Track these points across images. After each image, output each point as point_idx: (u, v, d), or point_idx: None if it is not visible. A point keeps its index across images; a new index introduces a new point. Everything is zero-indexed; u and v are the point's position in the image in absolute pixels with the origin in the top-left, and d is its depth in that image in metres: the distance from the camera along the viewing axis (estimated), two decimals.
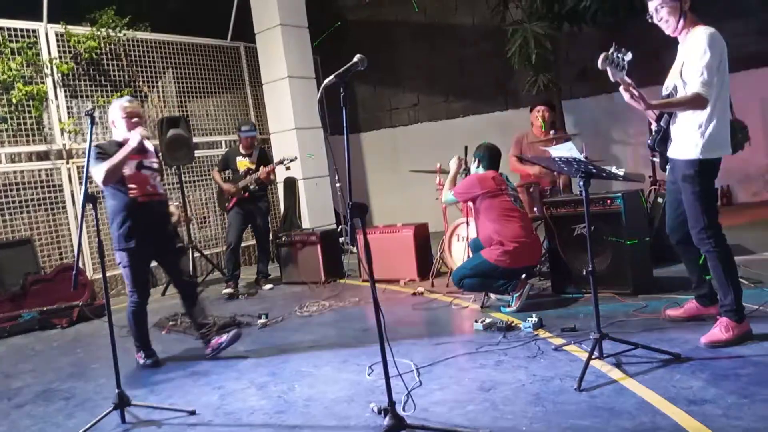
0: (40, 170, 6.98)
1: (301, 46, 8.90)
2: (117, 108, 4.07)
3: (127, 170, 3.98)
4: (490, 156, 4.81)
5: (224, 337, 4.22)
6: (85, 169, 3.57)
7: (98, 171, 3.86)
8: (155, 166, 4.21)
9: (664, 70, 3.47)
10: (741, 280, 3.46)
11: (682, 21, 3.27)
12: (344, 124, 2.62)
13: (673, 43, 3.44)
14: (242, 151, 6.78)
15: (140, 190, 4.04)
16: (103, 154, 3.93)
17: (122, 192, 3.99)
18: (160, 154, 4.46)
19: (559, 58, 8.36)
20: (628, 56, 3.02)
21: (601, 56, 3.00)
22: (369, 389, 3.27)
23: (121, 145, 3.99)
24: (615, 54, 3.01)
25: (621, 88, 3.17)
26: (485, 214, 4.61)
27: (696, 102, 3.17)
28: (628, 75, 3.10)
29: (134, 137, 3.92)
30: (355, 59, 2.68)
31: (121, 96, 7.58)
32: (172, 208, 4.42)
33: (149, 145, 4.16)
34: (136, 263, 4.09)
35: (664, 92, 3.42)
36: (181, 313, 5.43)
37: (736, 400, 2.58)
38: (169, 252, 4.33)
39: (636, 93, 3.16)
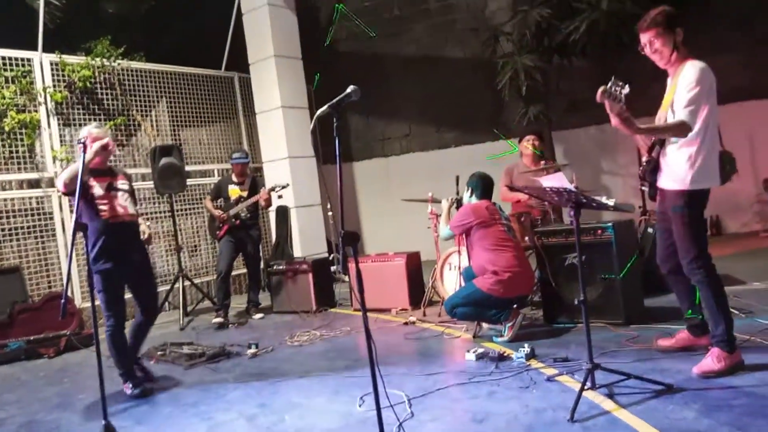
0: (30, 198, 6.95)
1: (295, 77, 8.98)
2: (85, 133, 4.15)
3: (98, 191, 4.11)
4: (483, 185, 4.84)
5: (129, 391, 4.15)
6: (76, 198, 3.56)
7: (60, 177, 4.03)
8: (125, 187, 4.31)
9: (652, 103, 3.53)
10: (732, 310, 3.47)
11: (675, 54, 3.34)
12: (337, 154, 2.64)
13: (661, 75, 3.50)
14: (235, 179, 6.80)
15: (111, 212, 4.14)
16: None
17: (93, 213, 4.07)
18: (129, 177, 4.54)
19: (549, 89, 8.48)
20: (626, 89, 3.06)
21: (600, 90, 3.04)
22: (360, 420, 3.24)
23: (91, 170, 4.09)
24: (613, 87, 3.06)
25: (612, 115, 3.18)
26: (479, 243, 4.62)
27: (680, 128, 3.22)
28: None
29: (95, 145, 3.99)
30: (348, 90, 2.71)
31: (115, 125, 7.66)
32: (143, 227, 4.43)
33: (122, 169, 4.34)
34: (111, 286, 4.12)
35: (657, 123, 3.46)
36: (170, 343, 5.39)
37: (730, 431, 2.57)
38: (143, 274, 4.38)
39: (627, 116, 3.17)
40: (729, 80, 7.73)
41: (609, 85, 3.06)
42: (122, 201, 4.23)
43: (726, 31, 8.29)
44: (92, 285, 3.29)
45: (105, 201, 4.13)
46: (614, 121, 3.16)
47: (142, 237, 4.40)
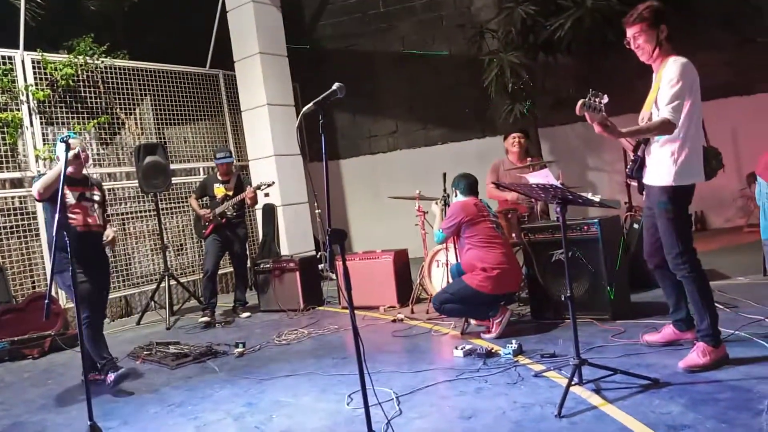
0: (13, 197, 6.87)
1: (280, 74, 8.94)
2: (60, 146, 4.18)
3: (70, 200, 4.28)
4: (468, 183, 4.84)
5: (112, 377, 4.21)
6: (59, 197, 3.51)
7: (35, 185, 4.13)
8: (96, 198, 4.48)
9: (637, 99, 3.54)
10: (717, 304, 3.50)
11: (657, 50, 3.36)
12: (323, 151, 2.63)
13: (645, 72, 3.52)
14: (220, 177, 6.75)
15: (80, 220, 4.31)
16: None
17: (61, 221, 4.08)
18: (101, 188, 4.69)
19: (535, 87, 8.51)
20: (605, 99, 3.09)
21: (579, 103, 3.07)
22: (349, 419, 3.23)
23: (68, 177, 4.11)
24: (592, 99, 3.09)
25: (594, 124, 3.20)
26: (468, 240, 4.62)
27: (664, 127, 3.24)
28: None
29: (70, 153, 3.98)
30: (333, 87, 2.70)
31: (99, 123, 7.58)
32: (108, 231, 4.55)
33: (95, 179, 4.52)
34: (80, 281, 4.09)
35: (641, 122, 3.48)
36: (156, 342, 5.35)
37: (715, 425, 2.59)
38: (101, 280, 4.50)
39: (608, 124, 3.20)
40: (713, 77, 7.85)
41: (588, 97, 3.09)
42: (91, 212, 4.40)
43: (710, 29, 8.38)
44: (76, 284, 3.27)
45: (77, 210, 4.32)
46: (597, 129, 3.18)
47: (105, 240, 4.50)
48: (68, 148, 3.66)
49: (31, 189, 6.80)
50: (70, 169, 4.12)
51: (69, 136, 4.24)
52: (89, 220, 4.37)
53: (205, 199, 6.88)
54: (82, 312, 4.13)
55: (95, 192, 4.49)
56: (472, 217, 4.61)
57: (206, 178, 7.16)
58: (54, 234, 3.42)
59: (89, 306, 4.23)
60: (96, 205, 4.46)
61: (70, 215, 4.26)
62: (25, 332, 5.91)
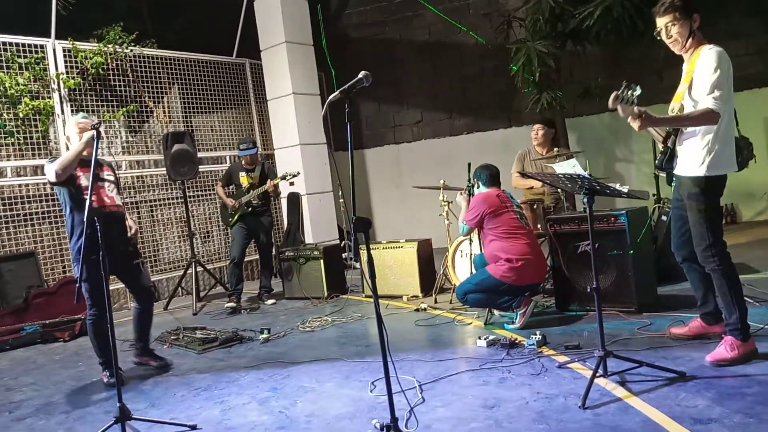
0: (45, 183, 7.01)
1: (306, 63, 8.97)
2: (72, 124, 4.23)
3: (84, 182, 4.14)
4: (490, 174, 4.82)
5: (154, 363, 4.39)
6: (90, 183, 3.57)
7: (50, 167, 4.02)
8: (111, 178, 4.36)
9: (666, 90, 3.48)
10: (746, 298, 3.44)
11: (690, 39, 3.29)
12: (348, 139, 2.63)
13: (675, 62, 3.45)
14: (245, 166, 6.81)
15: (98, 202, 4.17)
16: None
17: (80, 203, 4.07)
18: (116, 168, 4.63)
19: (563, 76, 8.40)
20: (638, 91, 3.04)
21: (612, 96, 3.04)
22: (371, 406, 3.25)
23: (81, 159, 4.11)
24: (625, 92, 3.04)
25: (629, 120, 3.16)
26: (491, 231, 4.60)
27: (709, 117, 3.16)
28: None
29: (86, 134, 4.00)
30: (360, 75, 2.70)
31: (128, 111, 7.69)
32: (129, 222, 4.45)
33: (107, 158, 4.39)
34: (95, 276, 4.03)
35: (671, 112, 3.42)
36: (183, 327, 5.44)
37: (742, 420, 2.56)
38: (127, 266, 4.39)
39: (644, 115, 3.14)
40: (744, 67, 7.70)
41: (621, 90, 3.04)
42: (108, 191, 4.29)
43: (741, 17, 8.18)
44: (105, 268, 3.30)
45: (94, 192, 4.12)
46: (636, 125, 3.12)
47: (129, 233, 4.41)
48: (99, 136, 3.65)
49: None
50: (85, 150, 4.04)
51: (81, 116, 4.29)
52: (106, 200, 4.24)
53: (231, 187, 6.95)
54: (88, 308, 4.21)
55: (108, 172, 4.38)
56: (494, 208, 4.59)
57: (231, 166, 7.23)
58: (85, 219, 3.42)
59: (96, 302, 4.15)
60: (112, 185, 4.34)
61: (86, 196, 4.03)
62: (55, 315, 6.05)
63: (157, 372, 4.41)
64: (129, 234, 4.43)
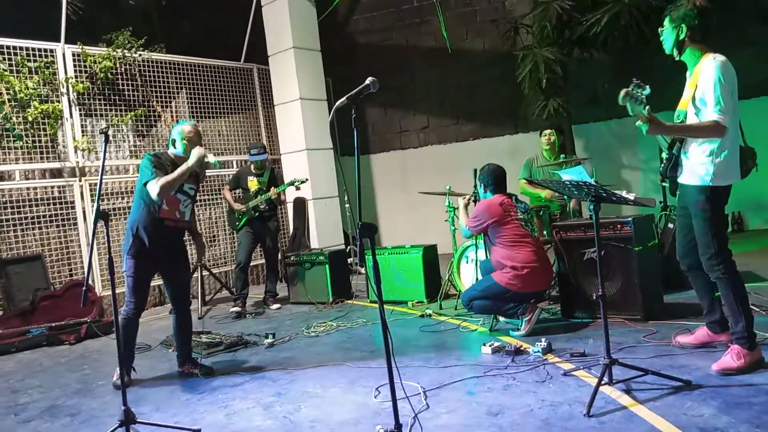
0: (52, 187, 7.06)
1: (314, 69, 9.00)
2: (179, 129, 4.25)
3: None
4: (495, 178, 4.73)
5: (196, 371, 4.35)
6: (98, 187, 3.60)
7: (154, 185, 3.98)
8: (191, 192, 4.34)
9: (673, 97, 3.48)
10: (753, 307, 3.43)
11: (676, 49, 3.35)
12: (355, 145, 2.64)
13: (682, 69, 3.46)
14: (254, 170, 6.83)
15: (169, 213, 4.18)
16: (160, 165, 4.07)
17: (152, 209, 4.12)
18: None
19: (570, 83, 8.40)
20: (647, 90, 3.06)
21: (622, 92, 3.05)
22: (376, 411, 3.25)
23: (173, 163, 4.16)
24: (635, 90, 3.05)
25: (638, 122, 3.18)
26: (496, 239, 4.58)
27: (715, 130, 3.17)
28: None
29: (194, 154, 4.04)
30: (367, 81, 2.71)
31: (135, 116, 7.74)
32: (201, 240, 4.58)
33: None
34: (139, 273, 4.19)
35: (676, 120, 3.43)
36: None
37: (749, 429, 2.55)
38: (177, 278, 4.41)
39: (653, 119, 3.17)
40: (754, 74, 7.66)
41: (631, 87, 3.06)
42: (182, 207, 4.27)
43: (751, 25, 8.17)
44: (112, 271, 3.30)
45: (170, 203, 4.18)
46: (645, 128, 3.14)
47: (197, 240, 4.54)
48: (107, 140, 3.62)
49: (70, 179, 7.05)
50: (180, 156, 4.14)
51: (190, 123, 4.35)
52: (177, 215, 4.23)
53: (238, 190, 6.97)
54: (126, 304, 4.24)
55: (193, 185, 4.34)
56: (497, 218, 4.54)
57: (240, 170, 7.25)
58: (93, 221, 3.38)
59: (134, 300, 4.19)
60: (188, 200, 4.32)
61: (164, 206, 4.13)
62: (62, 318, 6.08)
63: (173, 376, 4.40)
64: (197, 240, 4.54)
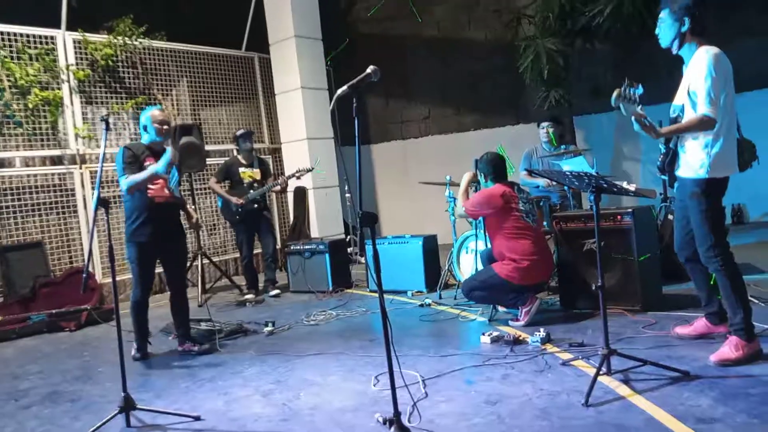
0: (53, 174, 7.05)
1: (315, 58, 8.97)
2: (148, 115, 4.40)
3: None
4: (495, 167, 4.67)
5: (195, 348, 4.56)
6: (98, 174, 3.60)
7: (123, 182, 4.23)
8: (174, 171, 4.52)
9: (675, 88, 3.48)
10: (751, 299, 3.44)
11: (676, 42, 3.33)
12: (356, 134, 2.63)
13: (683, 61, 3.45)
14: (242, 161, 6.79)
15: (158, 191, 4.34)
16: (132, 158, 4.27)
17: (141, 192, 4.29)
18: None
19: (571, 74, 8.37)
20: (640, 90, 3.09)
21: (614, 93, 3.08)
22: (374, 399, 3.27)
23: (149, 148, 4.37)
24: (627, 89, 3.06)
25: (633, 119, 3.19)
26: (497, 230, 4.57)
27: (704, 124, 3.20)
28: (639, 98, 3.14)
29: (163, 159, 4.17)
30: (368, 70, 2.70)
31: (136, 103, 7.72)
32: (190, 210, 4.71)
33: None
34: (143, 258, 4.35)
35: (672, 114, 3.44)
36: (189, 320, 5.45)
37: (746, 420, 2.56)
38: (175, 255, 4.58)
39: (647, 123, 3.20)
40: (753, 66, 7.62)
41: (623, 87, 3.08)
42: (170, 183, 4.44)
43: (755, 14, 8.12)
44: (112, 258, 3.33)
45: (157, 182, 4.33)
46: (637, 126, 3.18)
47: (191, 221, 4.70)
48: (107, 128, 3.62)
49: (70, 166, 7.05)
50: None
51: (158, 108, 4.53)
52: (166, 191, 4.40)
53: (226, 182, 6.85)
54: (133, 288, 4.43)
55: (176, 164, 4.47)
56: (497, 210, 4.52)
57: (228, 161, 7.07)
58: (94, 209, 3.48)
59: (141, 284, 4.37)
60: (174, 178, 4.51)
61: (150, 186, 4.30)
62: (62, 305, 6.09)
63: (173, 364, 4.44)
64: (192, 221, 4.70)
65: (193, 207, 4.81)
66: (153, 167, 4.20)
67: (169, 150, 4.21)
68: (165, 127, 4.39)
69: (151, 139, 4.40)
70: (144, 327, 4.52)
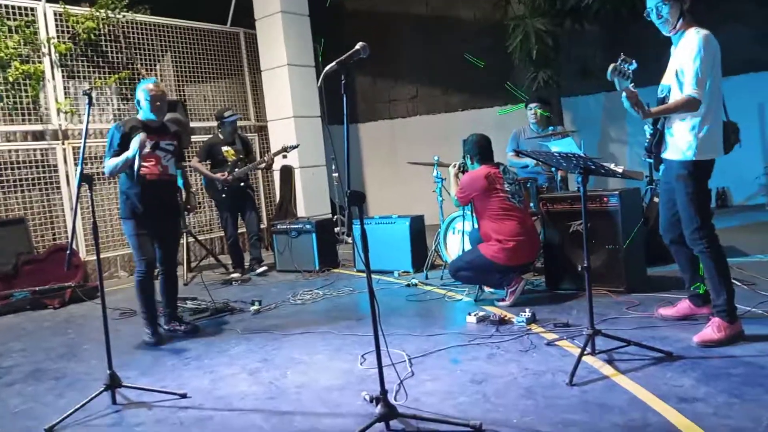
0: (35, 150, 6.94)
1: (301, 34, 8.86)
2: (143, 88, 4.30)
3: (144, 150, 4.11)
4: (480, 148, 4.67)
5: (182, 328, 4.52)
6: (81, 150, 3.54)
7: (106, 165, 4.18)
8: (171, 148, 4.40)
9: (663, 71, 3.48)
10: (734, 281, 3.47)
11: (680, 21, 3.29)
12: (344, 112, 2.60)
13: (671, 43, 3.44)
14: (222, 138, 6.72)
15: (151, 170, 4.27)
16: (122, 140, 4.14)
17: (132, 170, 4.17)
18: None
19: (560, 55, 8.34)
20: (633, 65, 3.10)
21: (610, 67, 3.07)
22: (361, 378, 3.28)
23: (144, 123, 4.27)
24: (622, 64, 3.05)
25: (624, 96, 3.18)
26: (483, 211, 4.58)
27: (689, 104, 3.21)
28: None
29: (133, 144, 4.00)
30: (357, 47, 2.66)
31: (119, 78, 7.59)
32: (191, 198, 4.83)
33: (171, 127, 4.53)
34: (140, 231, 4.28)
35: (660, 94, 3.44)
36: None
37: (727, 399, 2.60)
38: (167, 233, 4.51)
39: (638, 101, 3.19)
40: (741, 51, 7.65)
41: (618, 62, 3.07)
42: (164, 161, 4.35)
43: (739, 1, 8.12)
44: (96, 236, 3.29)
45: (150, 159, 4.26)
46: (627, 104, 3.17)
47: (188, 206, 4.77)
48: (90, 102, 3.55)
49: (52, 142, 6.94)
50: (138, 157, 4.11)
51: (153, 82, 4.38)
52: (160, 169, 4.32)
53: (208, 161, 6.75)
54: (137, 266, 4.34)
55: (169, 142, 4.39)
56: (482, 191, 4.51)
57: (210, 139, 6.96)
58: (77, 185, 3.39)
59: (144, 259, 4.28)
60: (169, 155, 4.38)
61: (143, 163, 4.18)
62: (45, 283, 6.04)
63: (174, 337, 4.44)
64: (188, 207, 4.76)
65: (193, 190, 4.72)
66: (124, 155, 4.05)
67: (139, 135, 4.02)
68: (158, 103, 4.29)
69: (146, 117, 4.30)
70: (152, 307, 4.36)
